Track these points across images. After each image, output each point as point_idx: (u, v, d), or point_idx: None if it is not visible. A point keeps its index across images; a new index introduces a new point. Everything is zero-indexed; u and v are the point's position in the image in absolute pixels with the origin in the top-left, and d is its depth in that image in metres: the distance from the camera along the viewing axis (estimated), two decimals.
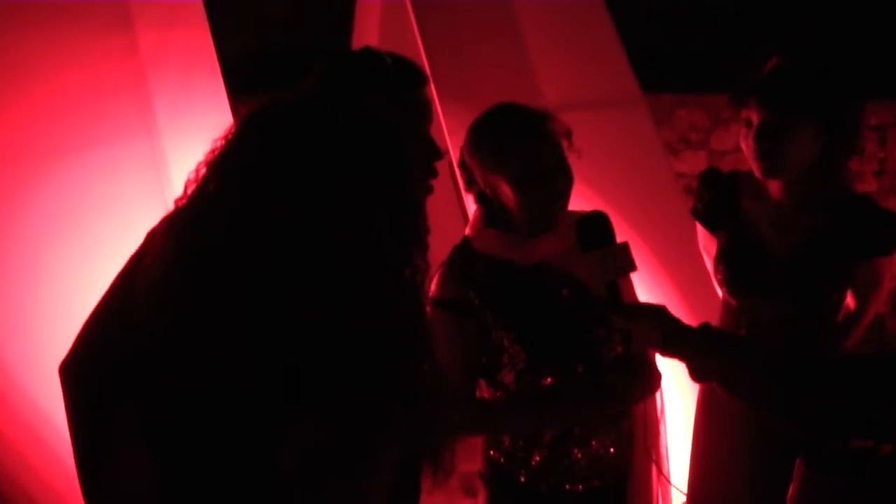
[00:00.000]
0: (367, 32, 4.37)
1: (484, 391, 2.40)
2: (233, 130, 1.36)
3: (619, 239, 2.80)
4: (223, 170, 1.34)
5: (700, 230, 2.82)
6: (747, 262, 2.66)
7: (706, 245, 2.82)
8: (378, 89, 1.96)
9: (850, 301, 2.72)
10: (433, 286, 2.33)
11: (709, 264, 2.84)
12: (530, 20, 3.43)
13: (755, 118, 2.50)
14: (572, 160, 2.35)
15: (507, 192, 2.27)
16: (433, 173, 2.05)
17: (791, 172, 2.56)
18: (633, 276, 2.91)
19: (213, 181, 1.34)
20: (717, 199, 2.73)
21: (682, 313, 3.00)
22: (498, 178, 2.28)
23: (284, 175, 1.28)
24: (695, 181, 2.97)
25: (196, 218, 1.32)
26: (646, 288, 3.10)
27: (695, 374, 1.88)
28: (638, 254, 3.22)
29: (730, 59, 4.13)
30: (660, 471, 2.40)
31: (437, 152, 2.05)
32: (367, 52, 2.09)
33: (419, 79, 2.07)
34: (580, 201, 3.09)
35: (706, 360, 1.86)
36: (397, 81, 2.02)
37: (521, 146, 2.25)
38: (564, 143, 2.30)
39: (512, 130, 2.28)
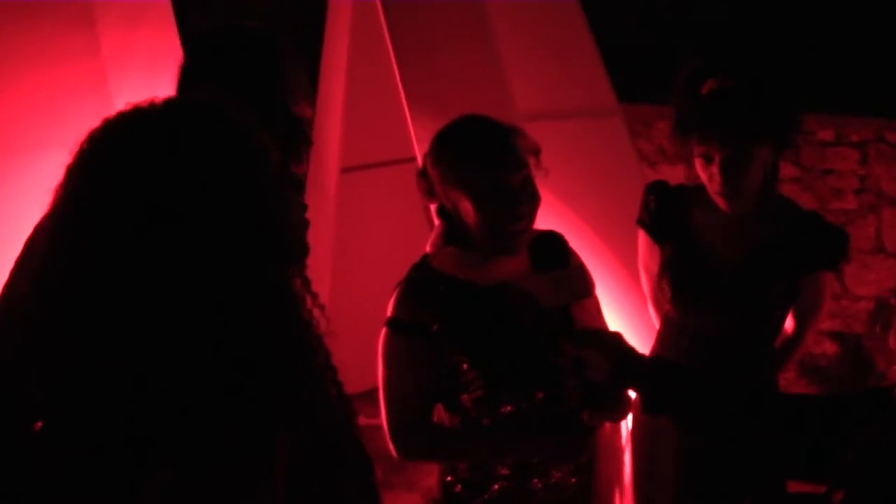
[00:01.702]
0: (338, 36, 4.31)
1: (443, 415, 2.31)
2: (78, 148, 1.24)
3: (591, 252, 2.73)
4: (67, 186, 1.22)
5: (642, 246, 2.77)
6: (694, 273, 2.62)
7: (647, 262, 2.77)
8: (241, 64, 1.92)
9: (788, 323, 2.71)
10: (389, 306, 2.25)
11: (645, 284, 2.81)
12: (504, 26, 3.37)
13: (716, 154, 2.45)
14: (542, 170, 2.27)
15: (467, 209, 2.17)
16: (302, 159, 1.98)
17: (751, 192, 2.53)
18: (604, 290, 2.84)
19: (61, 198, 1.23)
20: (665, 210, 2.69)
21: (651, 328, 2.95)
22: (458, 194, 2.18)
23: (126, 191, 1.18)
24: None
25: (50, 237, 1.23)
26: (616, 302, 3.04)
27: (647, 406, 1.82)
28: (608, 267, 3.18)
29: None
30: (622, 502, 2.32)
31: (307, 139, 1.98)
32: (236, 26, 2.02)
33: (287, 55, 2.00)
34: (550, 212, 3.02)
35: (659, 393, 1.79)
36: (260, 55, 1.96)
37: (485, 163, 2.15)
38: (532, 161, 2.20)
39: (476, 145, 2.18)
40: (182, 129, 1.22)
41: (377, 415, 2.34)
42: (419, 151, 3.00)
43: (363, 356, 2.40)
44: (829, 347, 5.10)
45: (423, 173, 2.27)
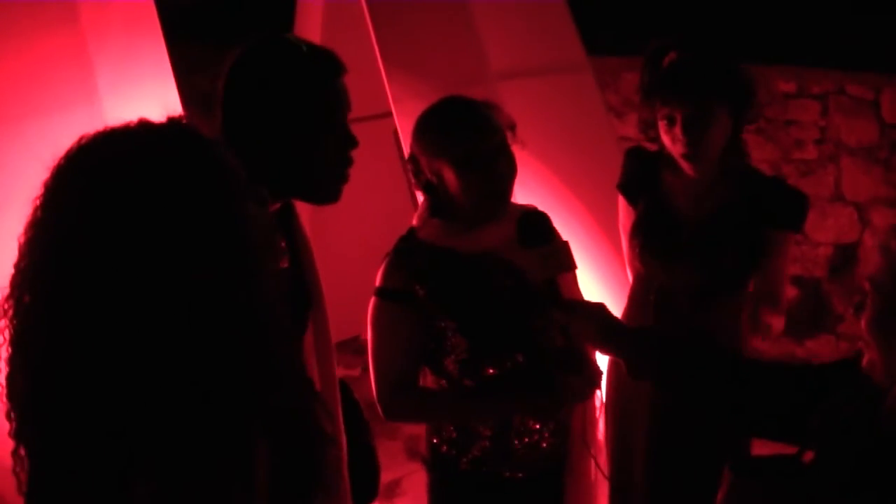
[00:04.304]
0: None
1: (428, 379, 2.45)
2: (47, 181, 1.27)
3: (562, 204, 2.83)
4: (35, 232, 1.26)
5: (622, 208, 2.94)
6: (660, 229, 2.79)
7: (625, 224, 2.93)
8: (293, 81, 1.96)
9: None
10: (378, 276, 2.38)
11: (624, 246, 2.95)
12: None
13: (678, 114, 2.63)
14: (519, 142, 2.41)
15: (450, 177, 2.33)
16: (349, 162, 2.05)
17: (712, 154, 2.68)
18: (576, 242, 2.95)
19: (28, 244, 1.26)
20: (640, 173, 2.87)
21: (624, 280, 3.07)
22: (442, 163, 2.33)
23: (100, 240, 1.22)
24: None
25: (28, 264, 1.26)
26: (589, 255, 3.14)
27: (631, 372, 1.94)
28: (580, 219, 3.28)
29: (677, 22, 4.17)
30: (596, 464, 2.46)
31: (353, 141, 2.05)
32: (284, 42, 2.05)
33: (336, 70, 2.03)
34: (523, 168, 3.11)
35: (642, 359, 1.91)
36: (313, 73, 1.98)
37: (464, 128, 2.32)
38: (508, 134, 2.37)
39: (455, 115, 2.36)
40: (155, 151, 1.26)
41: (354, 366, 2.47)
42: (395, 111, 3.08)
43: (342, 307, 2.50)
44: (790, 291, 5.27)
45: (410, 157, 2.44)
